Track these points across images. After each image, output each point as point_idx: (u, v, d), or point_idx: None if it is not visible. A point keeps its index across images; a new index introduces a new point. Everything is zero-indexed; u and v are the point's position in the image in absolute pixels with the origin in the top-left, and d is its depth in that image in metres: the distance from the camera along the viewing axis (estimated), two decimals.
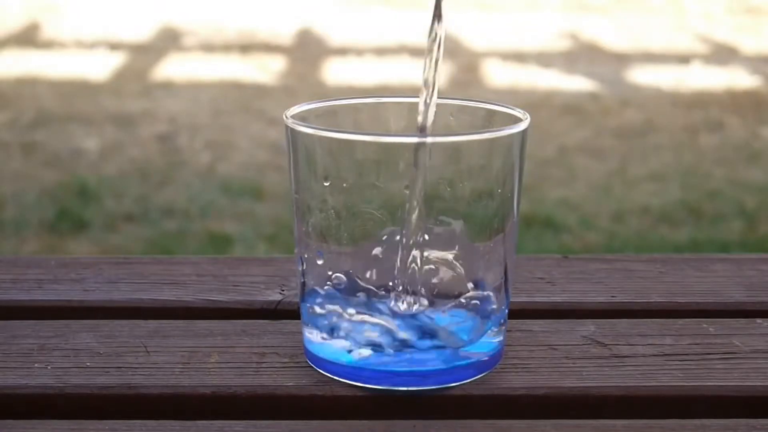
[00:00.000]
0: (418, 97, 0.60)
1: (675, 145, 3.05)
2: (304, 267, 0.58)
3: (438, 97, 0.59)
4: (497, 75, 3.91)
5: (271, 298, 0.69)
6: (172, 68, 3.94)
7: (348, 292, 0.57)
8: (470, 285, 0.57)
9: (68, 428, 0.54)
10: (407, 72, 3.92)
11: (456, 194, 0.57)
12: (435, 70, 0.58)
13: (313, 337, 0.59)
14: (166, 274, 0.72)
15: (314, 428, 0.55)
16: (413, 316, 0.56)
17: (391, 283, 0.56)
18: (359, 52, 4.21)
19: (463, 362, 0.57)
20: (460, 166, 0.56)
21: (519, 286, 0.69)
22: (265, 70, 3.94)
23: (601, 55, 4.30)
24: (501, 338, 0.59)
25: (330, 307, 0.57)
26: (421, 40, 4.42)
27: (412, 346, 0.56)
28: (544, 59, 4.13)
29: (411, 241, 0.55)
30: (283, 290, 0.70)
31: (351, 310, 0.56)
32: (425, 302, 0.56)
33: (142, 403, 0.57)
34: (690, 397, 0.58)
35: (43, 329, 0.64)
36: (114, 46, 4.23)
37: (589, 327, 0.65)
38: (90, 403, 0.57)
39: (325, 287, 0.57)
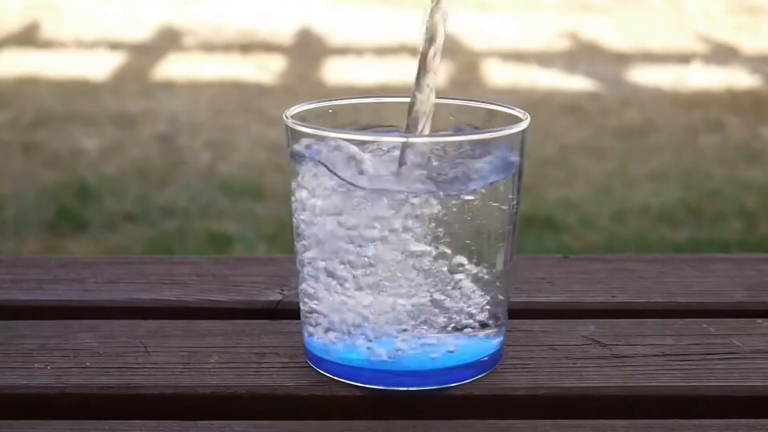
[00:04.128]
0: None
1: (675, 145, 3.04)
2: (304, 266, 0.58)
3: (438, 97, 0.59)
4: (497, 75, 3.90)
5: (271, 298, 0.69)
6: (172, 68, 3.93)
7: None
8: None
9: (68, 428, 0.54)
10: (407, 72, 3.92)
11: None
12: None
13: (314, 337, 0.59)
14: (166, 274, 0.72)
15: (314, 428, 0.55)
16: None
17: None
18: (359, 52, 4.21)
19: (463, 361, 0.57)
20: None
21: (519, 286, 0.69)
22: (265, 70, 3.93)
23: (601, 55, 4.29)
24: (501, 338, 0.59)
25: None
26: (422, 40, 4.42)
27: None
28: (544, 59, 4.13)
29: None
30: (283, 290, 0.70)
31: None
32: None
33: (142, 403, 0.57)
34: (690, 397, 0.58)
35: (43, 329, 0.64)
36: (114, 46, 4.23)
37: (589, 327, 0.65)
38: (90, 403, 0.57)
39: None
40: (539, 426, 0.55)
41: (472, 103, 0.61)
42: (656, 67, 4.07)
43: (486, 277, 0.57)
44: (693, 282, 0.72)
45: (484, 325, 0.58)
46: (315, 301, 0.58)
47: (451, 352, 0.57)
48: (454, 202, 0.55)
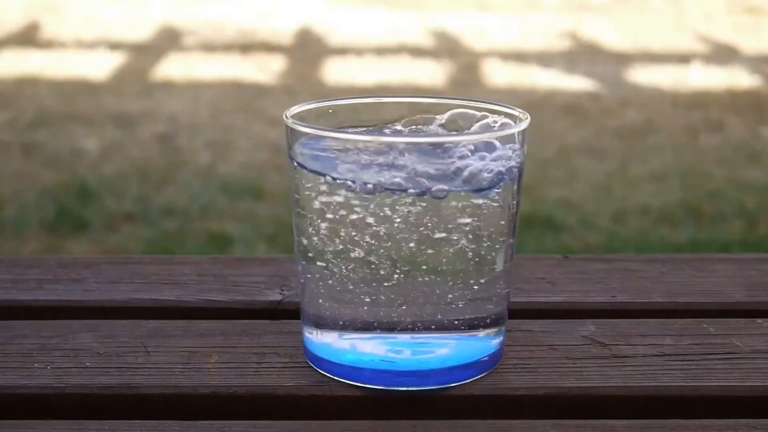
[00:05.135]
0: (417, 97, 0.61)
1: (675, 145, 3.04)
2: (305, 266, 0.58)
3: (438, 97, 0.59)
4: (497, 75, 3.91)
5: (271, 298, 0.69)
6: (172, 68, 3.93)
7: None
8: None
9: (68, 428, 0.54)
10: (407, 72, 3.92)
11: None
12: None
13: (314, 337, 0.59)
14: (166, 274, 0.72)
15: (314, 428, 0.55)
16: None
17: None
18: (359, 52, 4.21)
19: (463, 361, 0.57)
20: None
21: (519, 286, 0.69)
22: (265, 70, 3.93)
23: (601, 55, 4.30)
24: (501, 338, 0.59)
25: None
26: (422, 40, 4.41)
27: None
28: (544, 59, 4.13)
29: None
30: (283, 290, 0.70)
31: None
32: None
33: (142, 403, 0.57)
34: (690, 397, 0.58)
35: (43, 329, 0.64)
36: (114, 46, 4.23)
37: (589, 327, 0.65)
38: (90, 403, 0.57)
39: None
40: (539, 426, 0.55)
41: (472, 103, 0.61)
42: (656, 67, 4.07)
43: (486, 277, 0.57)
44: (693, 282, 0.72)
45: (484, 325, 0.58)
46: (315, 301, 0.58)
47: (451, 352, 0.57)
48: (453, 202, 0.55)
